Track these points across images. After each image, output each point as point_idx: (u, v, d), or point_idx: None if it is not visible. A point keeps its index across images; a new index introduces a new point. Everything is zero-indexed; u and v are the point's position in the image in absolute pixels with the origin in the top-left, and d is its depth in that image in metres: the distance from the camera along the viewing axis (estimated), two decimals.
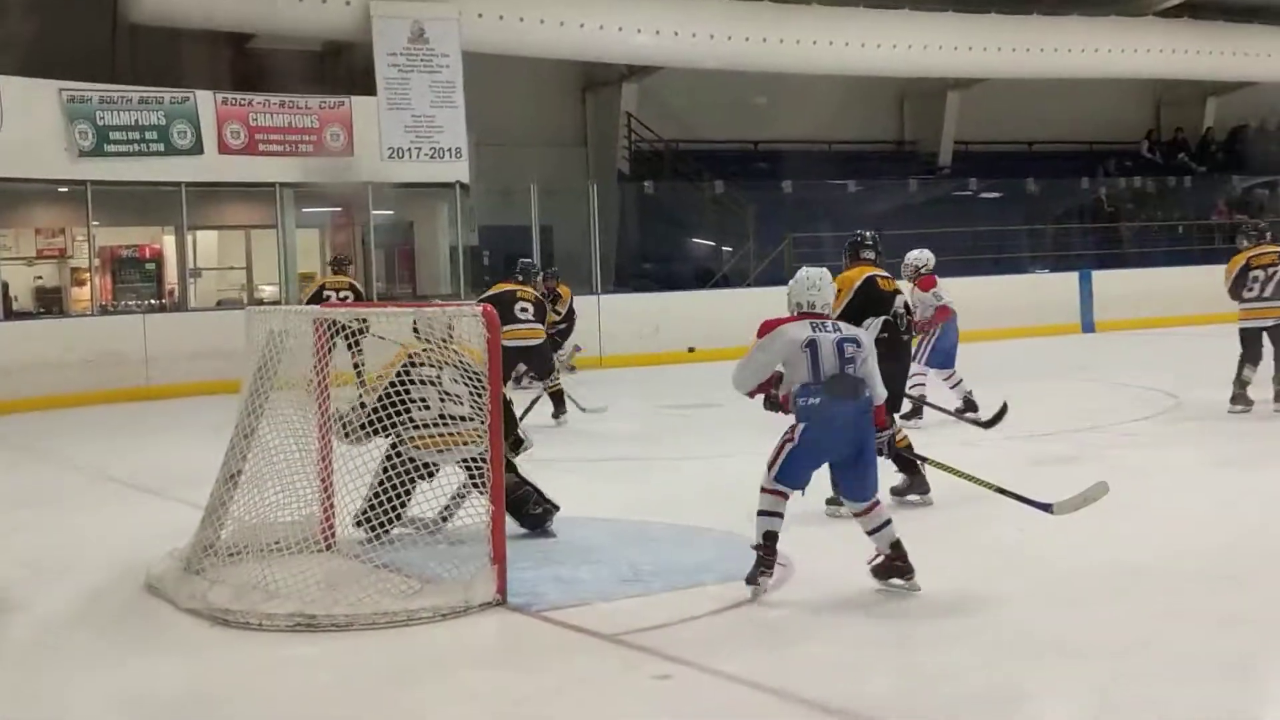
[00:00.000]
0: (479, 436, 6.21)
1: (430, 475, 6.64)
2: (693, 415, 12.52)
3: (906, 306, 8.07)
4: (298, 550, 6.13)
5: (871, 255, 8.03)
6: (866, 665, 4.85)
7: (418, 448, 6.58)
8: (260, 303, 17.37)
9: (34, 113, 15.53)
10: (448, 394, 6.66)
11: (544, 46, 19.73)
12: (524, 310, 11.46)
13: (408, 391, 6.54)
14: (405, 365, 6.68)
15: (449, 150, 18.15)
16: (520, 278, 11.96)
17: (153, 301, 17.91)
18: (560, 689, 4.76)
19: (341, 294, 13.52)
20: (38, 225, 18.26)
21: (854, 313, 7.42)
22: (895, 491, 7.57)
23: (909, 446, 7.39)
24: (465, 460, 6.55)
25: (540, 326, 11.64)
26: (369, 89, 17.76)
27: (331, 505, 6.52)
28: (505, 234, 19.73)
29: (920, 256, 11.17)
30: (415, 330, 6.90)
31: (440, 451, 6.62)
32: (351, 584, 5.80)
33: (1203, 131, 27.54)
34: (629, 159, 22.83)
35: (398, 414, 6.47)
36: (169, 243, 18.23)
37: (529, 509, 6.94)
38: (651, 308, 18.72)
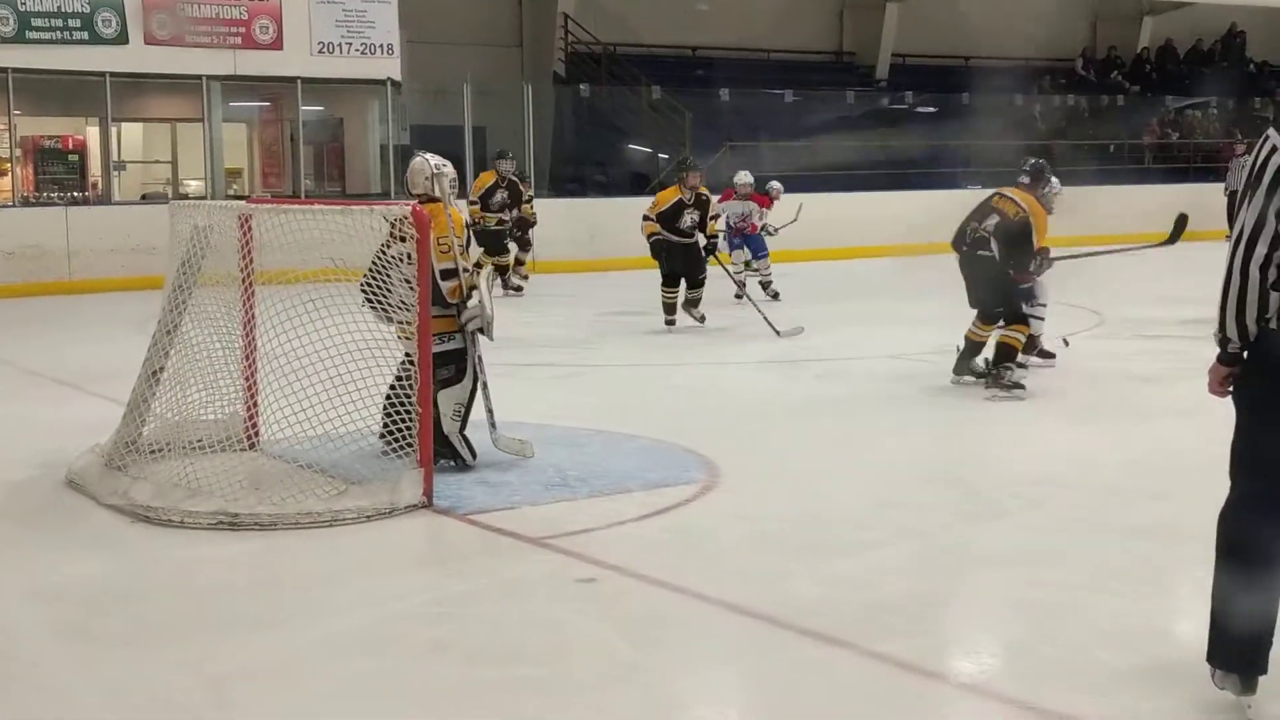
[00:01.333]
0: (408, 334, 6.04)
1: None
2: (625, 323, 12.51)
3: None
4: (221, 449, 6.08)
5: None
6: (789, 572, 4.89)
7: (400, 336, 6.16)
8: (185, 198, 17.05)
9: None
10: (408, 281, 6.05)
11: None
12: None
13: (384, 268, 6.09)
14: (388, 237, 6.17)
15: (380, 46, 17.84)
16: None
17: (75, 194, 17.50)
18: (485, 591, 4.78)
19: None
20: None
21: None
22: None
23: None
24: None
25: None
26: None
27: (256, 404, 6.45)
28: (437, 134, 19.43)
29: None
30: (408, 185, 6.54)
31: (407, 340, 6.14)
32: (275, 484, 5.75)
33: (1138, 50, 27.63)
34: (565, 61, 22.55)
35: (383, 289, 6.08)
36: (93, 134, 17.80)
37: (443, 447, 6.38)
38: (587, 214, 18.60)
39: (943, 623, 4.52)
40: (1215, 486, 3.62)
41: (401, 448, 5.89)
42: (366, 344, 6.07)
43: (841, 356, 10.09)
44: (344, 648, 4.22)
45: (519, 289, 15.22)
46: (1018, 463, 6.66)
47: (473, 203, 14.20)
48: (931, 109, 23.97)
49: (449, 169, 6.59)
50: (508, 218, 14.66)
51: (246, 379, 6.44)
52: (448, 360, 6.35)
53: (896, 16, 24.83)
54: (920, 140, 22.37)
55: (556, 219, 17.92)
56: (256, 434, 6.43)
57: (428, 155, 6.65)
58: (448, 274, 6.31)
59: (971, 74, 25.38)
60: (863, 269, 17.66)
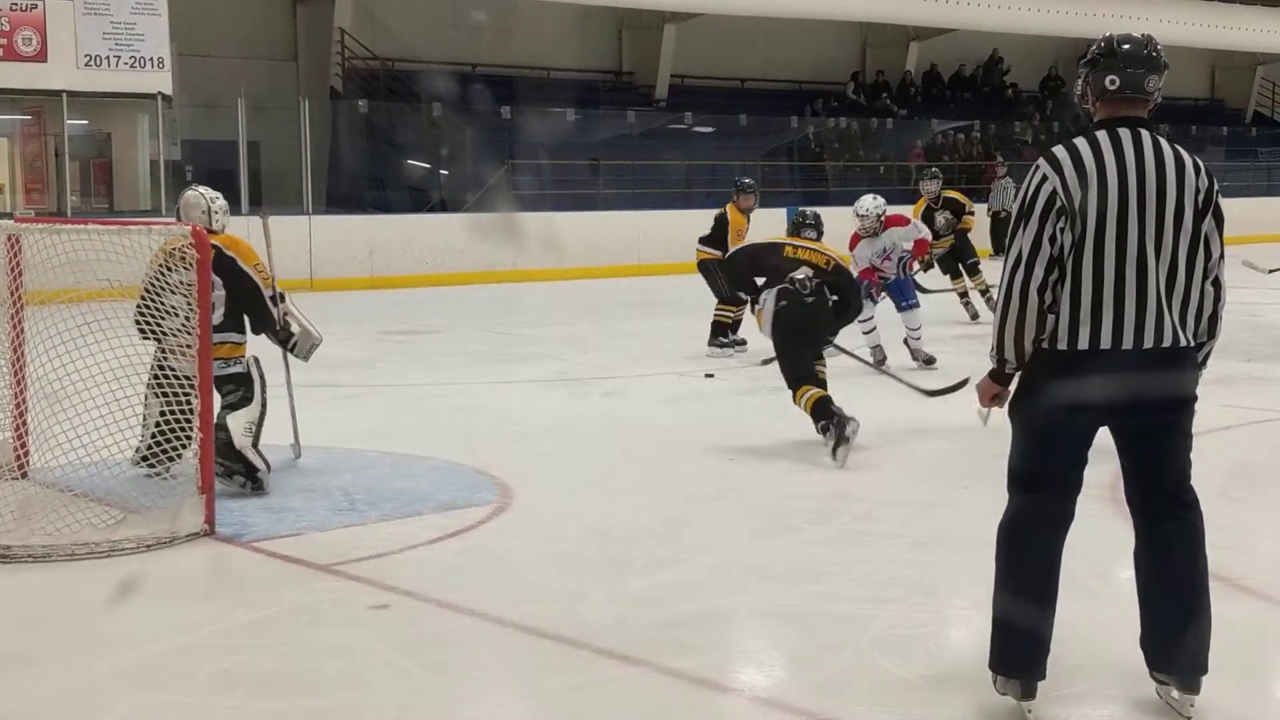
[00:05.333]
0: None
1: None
2: (409, 341, 12.40)
3: None
4: None
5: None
6: (583, 592, 4.92)
7: (181, 358, 5.98)
8: None
9: None
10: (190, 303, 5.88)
11: None
12: None
13: (161, 292, 5.98)
14: (161, 266, 6.03)
15: (150, 60, 17.34)
16: None
17: None
18: (274, 620, 4.67)
19: None
20: None
21: None
22: None
23: None
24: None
25: None
26: None
27: (25, 429, 6.19)
28: (210, 149, 19.02)
29: None
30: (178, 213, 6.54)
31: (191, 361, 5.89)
32: (48, 513, 5.54)
33: (906, 76, 28.64)
34: (342, 76, 22.24)
35: (157, 317, 5.98)
36: None
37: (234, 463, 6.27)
38: (365, 231, 18.38)
39: (733, 638, 4.61)
40: (996, 498, 3.78)
41: (167, 466, 5.83)
42: (143, 366, 5.92)
43: (628, 374, 10.19)
44: (126, 683, 4.08)
45: None
46: (801, 477, 6.82)
47: None
48: (709, 129, 24.41)
49: (222, 202, 6.74)
50: None
51: (15, 403, 6.17)
52: (234, 383, 6.32)
53: (674, 38, 25.21)
54: (700, 159, 22.75)
55: (334, 236, 17.68)
56: (27, 461, 6.17)
57: (201, 189, 6.73)
58: (275, 299, 6.58)
59: (748, 96, 25.98)
60: (650, 285, 17.82)
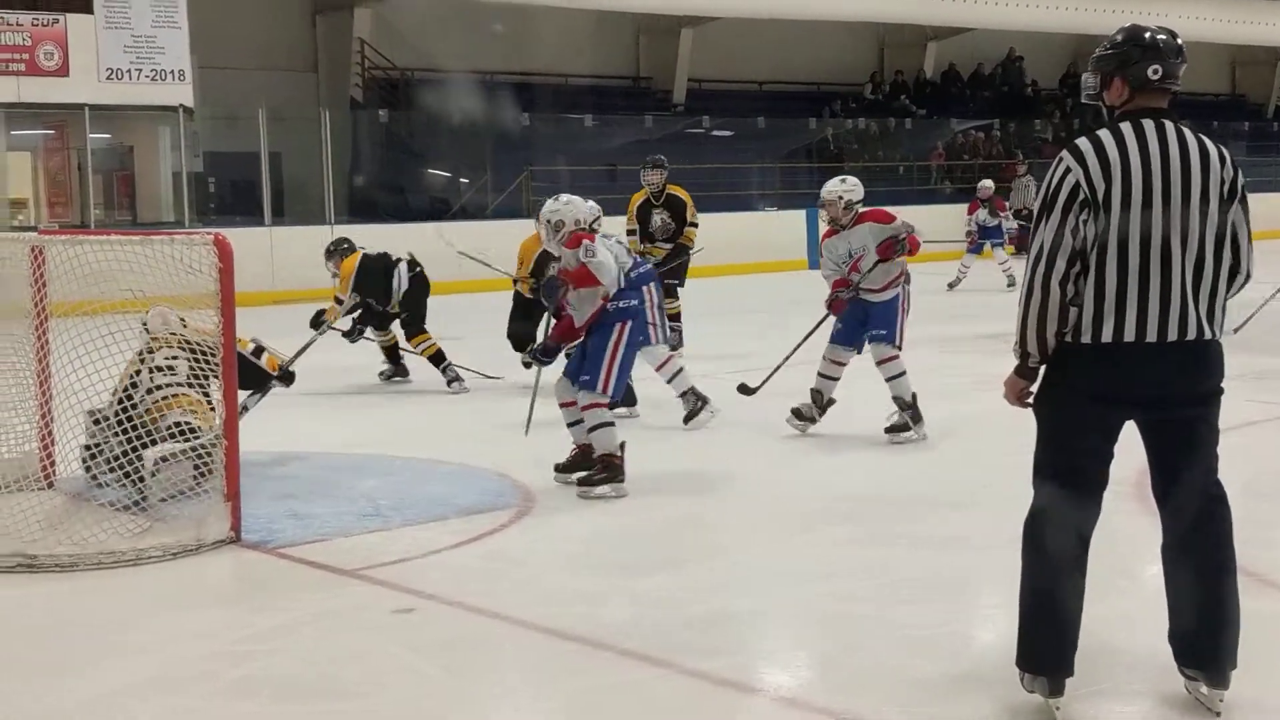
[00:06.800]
0: (191, 405, 6.27)
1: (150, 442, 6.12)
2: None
3: None
4: (16, 488, 5.85)
5: None
6: (603, 594, 4.91)
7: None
8: None
9: None
10: (158, 368, 6.42)
11: None
12: None
13: (131, 392, 6.28)
14: (135, 370, 6.38)
15: (171, 72, 17.42)
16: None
17: None
18: (296, 625, 4.68)
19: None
20: None
21: None
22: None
23: None
24: (177, 424, 6.16)
25: None
26: (85, 6, 16.85)
27: (52, 441, 6.23)
28: (232, 160, 19.11)
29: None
30: (145, 326, 6.61)
31: (155, 419, 6.20)
32: (75, 523, 5.57)
33: (922, 75, 28.58)
34: (362, 86, 22.32)
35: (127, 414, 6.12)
36: None
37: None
38: (386, 239, 18.36)
39: (755, 638, 4.60)
40: (1019, 495, 3.76)
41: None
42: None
43: (648, 375, 10.15)
44: (149, 688, 4.10)
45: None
46: (823, 478, 6.80)
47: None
48: (728, 133, 24.40)
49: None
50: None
51: (41, 415, 6.21)
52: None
53: (691, 42, 25.23)
54: (718, 163, 22.74)
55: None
56: (54, 470, 6.20)
57: (161, 308, 6.60)
58: (257, 351, 7.09)
59: (765, 98, 25.96)
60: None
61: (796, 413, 7.64)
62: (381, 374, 10.29)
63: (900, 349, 7.50)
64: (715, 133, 24.31)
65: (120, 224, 18.21)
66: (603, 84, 24.90)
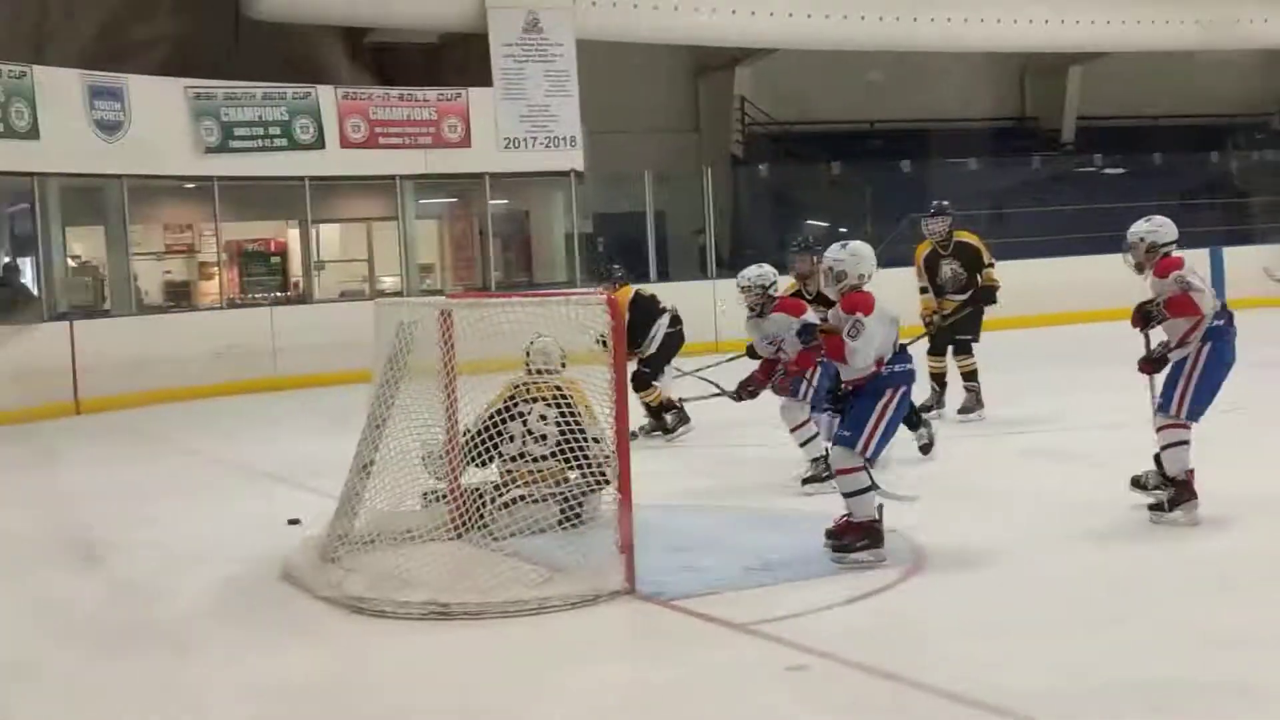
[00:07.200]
0: (556, 476, 6.68)
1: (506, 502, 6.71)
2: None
3: None
4: (429, 538, 6.19)
5: None
6: (1006, 657, 4.72)
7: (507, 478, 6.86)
8: (382, 294, 17.59)
9: (161, 111, 15.82)
10: (530, 432, 6.86)
11: (657, 33, 19.70)
12: None
13: (504, 423, 6.77)
14: (507, 400, 6.87)
15: (564, 139, 18.25)
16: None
17: (278, 294, 18.20)
18: (695, 679, 4.72)
19: None
20: (166, 221, 18.59)
21: None
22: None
23: None
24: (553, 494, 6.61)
25: None
26: (485, 80, 17.89)
27: (460, 492, 6.56)
28: (619, 221, 19.75)
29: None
30: (527, 355, 7.04)
31: (518, 485, 6.76)
32: (482, 572, 5.83)
33: None
34: (742, 142, 22.70)
35: (486, 445, 6.66)
36: (293, 236, 18.49)
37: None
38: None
39: (1183, 710, 4.24)
40: None
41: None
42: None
43: (1055, 427, 9.81)
44: None
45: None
46: (1245, 530, 6.36)
47: None
48: (1120, 170, 23.44)
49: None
50: None
51: (450, 468, 6.56)
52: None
53: (1079, 79, 24.42)
54: (1110, 202, 21.84)
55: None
56: (462, 522, 6.53)
57: (545, 339, 6.97)
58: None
59: (1160, 134, 24.77)
60: (1069, 334, 17.24)
61: (1138, 482, 6.73)
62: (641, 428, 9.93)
63: (1179, 418, 6.57)
64: (1106, 170, 23.40)
65: (518, 285, 19.14)
66: (986, 126, 24.41)
